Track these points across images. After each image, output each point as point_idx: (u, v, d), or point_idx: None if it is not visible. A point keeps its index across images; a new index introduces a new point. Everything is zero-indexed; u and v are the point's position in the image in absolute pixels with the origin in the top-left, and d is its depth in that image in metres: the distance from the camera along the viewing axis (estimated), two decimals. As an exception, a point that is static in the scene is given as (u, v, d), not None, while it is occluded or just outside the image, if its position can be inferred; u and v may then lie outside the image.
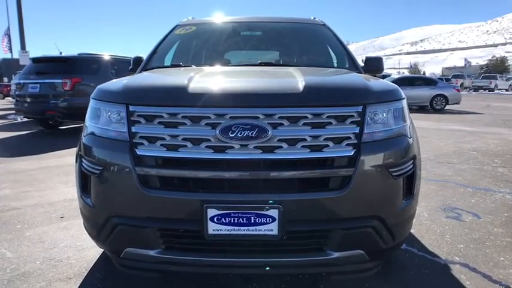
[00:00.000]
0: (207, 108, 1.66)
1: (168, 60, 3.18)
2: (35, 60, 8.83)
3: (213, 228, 1.58)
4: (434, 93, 16.45)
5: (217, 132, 1.60)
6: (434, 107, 16.45)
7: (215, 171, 1.61)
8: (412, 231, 2.94)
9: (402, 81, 17.19)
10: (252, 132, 1.59)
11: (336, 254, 1.68)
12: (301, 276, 2.18)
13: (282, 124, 1.63)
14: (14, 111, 10.85)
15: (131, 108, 1.73)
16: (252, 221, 1.57)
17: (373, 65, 3.04)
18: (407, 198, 1.85)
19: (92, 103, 1.95)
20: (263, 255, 1.68)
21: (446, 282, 2.20)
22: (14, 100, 9.47)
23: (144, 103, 1.74)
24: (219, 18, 3.67)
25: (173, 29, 3.47)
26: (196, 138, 1.63)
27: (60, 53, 9.82)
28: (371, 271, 1.94)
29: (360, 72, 2.80)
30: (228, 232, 1.59)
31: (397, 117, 1.85)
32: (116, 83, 1.99)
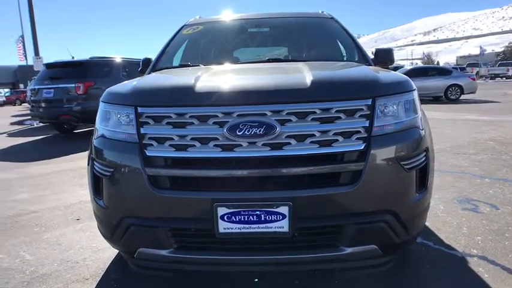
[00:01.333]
0: (214, 107, 1.66)
1: (176, 61, 3.19)
2: (48, 65, 9.00)
3: (223, 226, 1.58)
4: (449, 83, 16.13)
5: (225, 130, 1.60)
6: (449, 97, 16.15)
7: (224, 169, 1.61)
8: (427, 224, 2.89)
9: (415, 72, 16.91)
10: (260, 130, 1.58)
11: (349, 250, 1.66)
12: (315, 271, 2.17)
13: (290, 120, 1.62)
14: (30, 117, 11.10)
15: (140, 109, 1.74)
16: (263, 219, 1.57)
17: (384, 57, 2.99)
18: (421, 191, 1.81)
19: (101, 106, 1.97)
20: (275, 252, 1.67)
21: (464, 275, 2.15)
22: (30, 106, 9.69)
23: (152, 104, 1.75)
24: (226, 16, 3.66)
25: (180, 29, 3.48)
26: (204, 138, 1.64)
27: (73, 57, 9.99)
28: (385, 266, 1.91)
29: (370, 65, 2.76)
30: (239, 230, 1.59)
31: (408, 109, 1.81)
32: (124, 86, 2.01)
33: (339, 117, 1.65)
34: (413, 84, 1.98)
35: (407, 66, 26.58)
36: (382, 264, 1.88)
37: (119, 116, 1.82)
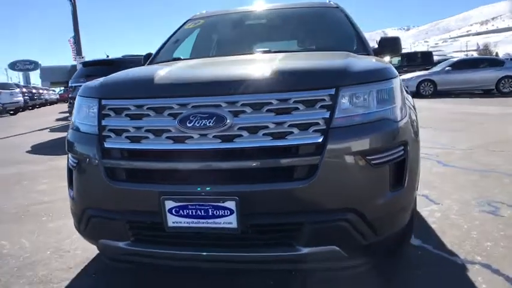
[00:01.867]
0: (170, 98, 1.63)
1: (176, 55, 3.19)
2: (84, 64, 9.50)
3: (172, 220, 1.54)
4: (501, 75, 14.89)
5: (176, 122, 1.55)
6: (501, 90, 14.89)
7: (172, 162, 1.58)
8: (433, 226, 2.66)
9: (463, 64, 15.81)
10: (210, 121, 1.52)
11: (306, 250, 1.54)
12: (292, 271, 2.06)
13: (244, 112, 1.54)
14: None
15: (103, 102, 1.75)
16: (210, 214, 1.50)
17: (388, 46, 2.82)
18: (396, 188, 1.65)
19: (77, 99, 2.00)
20: (225, 249, 1.60)
21: (457, 284, 1.94)
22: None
23: (114, 96, 1.75)
24: (230, 9, 3.61)
25: (184, 23, 3.49)
26: (158, 130, 1.61)
27: (107, 56, 10.48)
28: (356, 269, 1.76)
29: (368, 54, 2.60)
30: (188, 225, 1.53)
31: (382, 100, 1.66)
32: (97, 80, 2.03)
33: (297, 108, 1.54)
34: (394, 72, 1.81)
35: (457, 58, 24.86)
36: (351, 267, 1.73)
37: (87, 108, 1.84)
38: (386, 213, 1.63)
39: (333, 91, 1.56)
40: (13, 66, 47.90)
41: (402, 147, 1.68)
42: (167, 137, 1.58)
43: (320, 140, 1.50)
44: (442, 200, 3.18)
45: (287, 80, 1.60)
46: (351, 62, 1.76)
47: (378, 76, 1.69)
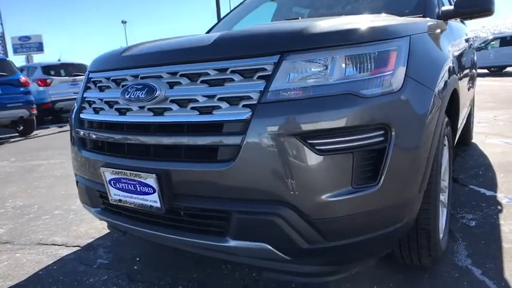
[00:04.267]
0: (125, 70, 1.62)
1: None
2: None
3: (113, 192, 1.54)
4: None
5: (119, 93, 1.54)
6: None
7: (112, 133, 1.57)
8: (508, 247, 1.96)
9: None
10: (142, 93, 1.45)
11: (234, 243, 1.33)
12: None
13: (179, 83, 1.41)
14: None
15: (89, 75, 1.86)
16: (138, 190, 1.44)
17: (469, 7, 2.21)
18: (364, 185, 1.27)
19: None
20: (155, 227, 1.51)
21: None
22: None
23: (96, 70, 1.83)
24: None
25: None
26: (111, 101, 1.62)
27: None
28: (311, 277, 1.43)
29: (424, 16, 2.10)
30: (125, 198, 1.51)
31: (354, 68, 1.29)
32: None
33: (231, 80, 1.32)
34: (392, 32, 1.40)
35: None
36: (306, 274, 1.42)
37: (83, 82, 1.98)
38: (340, 215, 1.26)
39: (276, 58, 1.28)
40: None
41: (381, 133, 1.27)
42: (115, 109, 1.58)
43: (246, 116, 1.25)
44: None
45: (226, 47, 1.39)
46: (319, 23, 1.39)
47: (351, 38, 1.31)
